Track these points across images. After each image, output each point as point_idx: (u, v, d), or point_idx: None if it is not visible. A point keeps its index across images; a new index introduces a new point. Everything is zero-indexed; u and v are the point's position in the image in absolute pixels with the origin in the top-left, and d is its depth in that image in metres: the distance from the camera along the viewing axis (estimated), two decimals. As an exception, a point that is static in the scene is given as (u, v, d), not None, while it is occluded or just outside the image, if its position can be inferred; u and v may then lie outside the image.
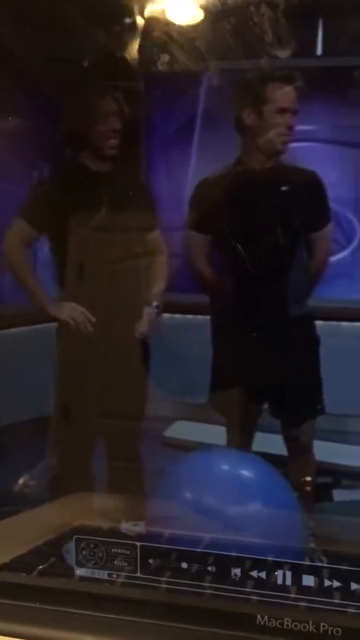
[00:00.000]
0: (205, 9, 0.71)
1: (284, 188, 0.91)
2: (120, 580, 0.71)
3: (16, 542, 0.78)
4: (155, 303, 1.02)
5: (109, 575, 0.71)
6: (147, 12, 0.74)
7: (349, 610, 0.67)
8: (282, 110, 0.91)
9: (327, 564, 0.70)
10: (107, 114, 0.86)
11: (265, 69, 0.88)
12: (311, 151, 0.90)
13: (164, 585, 0.71)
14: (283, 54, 0.73)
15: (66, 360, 0.92)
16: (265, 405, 0.96)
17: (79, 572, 0.72)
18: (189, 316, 0.97)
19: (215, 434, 0.88)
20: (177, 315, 0.95)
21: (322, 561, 0.71)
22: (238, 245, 0.92)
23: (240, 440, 0.90)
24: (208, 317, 0.95)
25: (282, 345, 0.92)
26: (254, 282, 0.92)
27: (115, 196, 0.89)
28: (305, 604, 0.68)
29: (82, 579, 0.72)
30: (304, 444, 0.88)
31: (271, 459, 0.85)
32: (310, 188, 0.90)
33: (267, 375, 0.94)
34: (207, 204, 0.92)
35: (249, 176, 0.94)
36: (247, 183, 0.93)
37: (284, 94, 0.89)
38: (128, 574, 0.71)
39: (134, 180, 0.92)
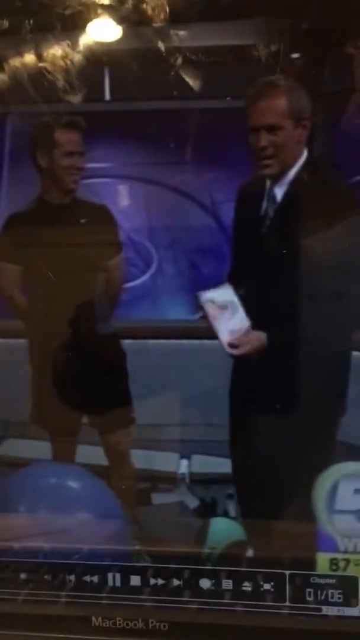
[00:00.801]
0: (5, 57, 0.70)
1: (82, 220, 0.92)
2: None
3: None
4: None
5: None
6: None
7: (172, 605, 0.67)
8: (70, 153, 0.92)
9: (151, 563, 0.69)
10: None
11: (52, 117, 0.89)
12: (108, 186, 0.91)
13: (7, 597, 0.69)
14: (75, 99, 0.73)
15: None
16: (84, 419, 0.96)
17: None
18: (8, 340, 0.95)
19: (43, 449, 0.87)
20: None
21: (146, 561, 0.70)
22: (47, 272, 0.92)
23: (64, 453, 0.89)
24: (25, 340, 0.94)
25: (92, 361, 0.92)
26: (63, 305, 0.93)
27: None
28: (134, 603, 0.68)
29: None
30: (122, 453, 0.88)
31: (94, 469, 0.85)
32: (100, 220, 0.91)
33: (81, 389, 0.94)
34: (15, 237, 0.92)
35: (49, 211, 0.94)
36: (48, 217, 0.94)
37: (69, 139, 0.90)
38: None
39: None
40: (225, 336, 0.87)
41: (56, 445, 0.90)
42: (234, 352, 0.86)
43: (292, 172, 0.83)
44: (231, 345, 0.87)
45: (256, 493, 0.84)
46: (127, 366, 0.92)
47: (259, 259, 0.88)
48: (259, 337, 0.86)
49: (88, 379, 0.94)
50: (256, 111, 0.81)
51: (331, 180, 0.87)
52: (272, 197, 0.85)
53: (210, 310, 0.86)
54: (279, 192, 0.85)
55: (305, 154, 0.82)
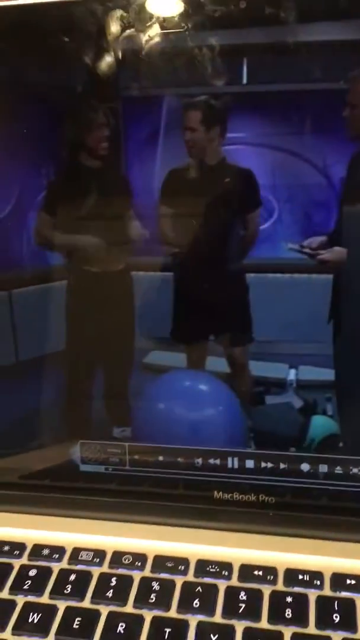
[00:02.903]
0: (162, 50, 0.71)
1: (226, 180, 0.91)
2: (114, 472, 0.74)
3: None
4: None
5: (106, 469, 0.74)
6: (123, 54, 0.74)
7: (279, 483, 0.71)
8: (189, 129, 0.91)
9: (262, 450, 0.73)
10: (99, 124, 0.86)
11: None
12: (243, 152, 0.91)
13: (148, 474, 0.73)
14: (219, 83, 0.74)
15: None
16: (212, 337, 0.96)
17: (83, 468, 0.75)
18: (157, 273, 0.96)
19: (179, 359, 0.89)
20: (150, 273, 0.95)
21: (258, 448, 0.75)
22: (193, 218, 0.92)
23: (197, 362, 0.91)
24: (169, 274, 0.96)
25: (221, 291, 0.92)
26: (203, 245, 0.93)
27: (103, 187, 0.89)
28: (248, 481, 0.71)
29: (85, 473, 0.75)
30: (242, 364, 0.89)
31: (220, 375, 0.87)
32: (246, 181, 0.90)
33: (212, 314, 0.95)
34: (174, 188, 0.91)
35: (202, 169, 0.93)
36: (202, 174, 0.93)
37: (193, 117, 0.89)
38: (119, 468, 0.74)
39: (118, 174, 0.92)
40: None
41: (190, 356, 0.92)
42: (319, 255, 0.87)
43: None
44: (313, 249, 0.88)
45: (350, 397, 0.85)
46: (249, 295, 0.92)
47: (356, 205, 0.88)
48: (341, 250, 0.87)
49: (216, 305, 0.95)
50: (351, 91, 0.80)
51: None
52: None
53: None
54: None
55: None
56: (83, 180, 0.88)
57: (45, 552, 0.69)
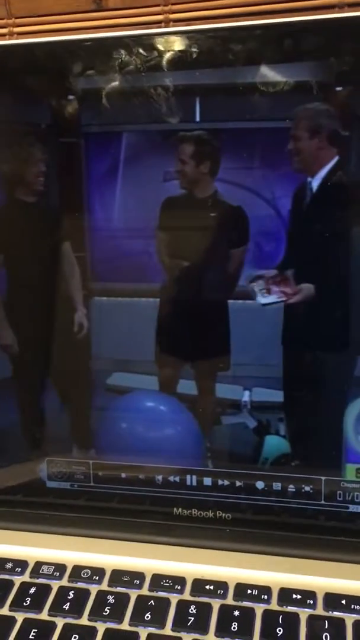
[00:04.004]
0: (121, 90, 0.71)
1: (213, 214, 0.89)
2: (79, 489, 0.74)
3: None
4: None
5: (71, 485, 0.74)
6: (83, 91, 0.74)
7: (235, 500, 0.72)
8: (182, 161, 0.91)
9: (220, 468, 0.73)
10: (36, 160, 0.85)
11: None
12: None
13: (111, 491, 0.74)
14: (173, 120, 0.75)
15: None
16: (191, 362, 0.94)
17: (49, 484, 0.74)
18: (137, 299, 0.94)
19: (141, 381, 0.87)
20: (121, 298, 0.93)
21: (215, 466, 0.74)
22: (179, 247, 0.90)
23: (168, 385, 0.89)
24: (152, 300, 0.94)
25: (204, 319, 0.90)
26: (187, 275, 0.91)
27: (46, 220, 0.87)
28: (206, 498, 0.72)
29: (52, 489, 0.74)
30: (211, 387, 0.88)
31: (184, 398, 0.85)
32: (234, 218, 0.87)
33: (194, 341, 0.93)
34: (167, 216, 0.89)
35: (192, 201, 0.90)
36: (191, 206, 0.90)
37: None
38: (84, 484, 0.74)
39: (54, 209, 0.89)
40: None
41: (163, 379, 0.90)
42: (290, 300, 0.86)
43: (325, 170, 0.83)
44: (286, 294, 0.87)
45: (301, 417, 0.84)
46: (229, 323, 0.90)
47: (301, 235, 0.87)
48: (309, 287, 0.86)
49: (195, 333, 0.93)
50: (295, 126, 0.80)
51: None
52: (311, 188, 0.85)
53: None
54: (315, 184, 0.85)
55: (336, 157, 0.82)
56: (20, 215, 0.86)
57: (9, 565, 0.69)
